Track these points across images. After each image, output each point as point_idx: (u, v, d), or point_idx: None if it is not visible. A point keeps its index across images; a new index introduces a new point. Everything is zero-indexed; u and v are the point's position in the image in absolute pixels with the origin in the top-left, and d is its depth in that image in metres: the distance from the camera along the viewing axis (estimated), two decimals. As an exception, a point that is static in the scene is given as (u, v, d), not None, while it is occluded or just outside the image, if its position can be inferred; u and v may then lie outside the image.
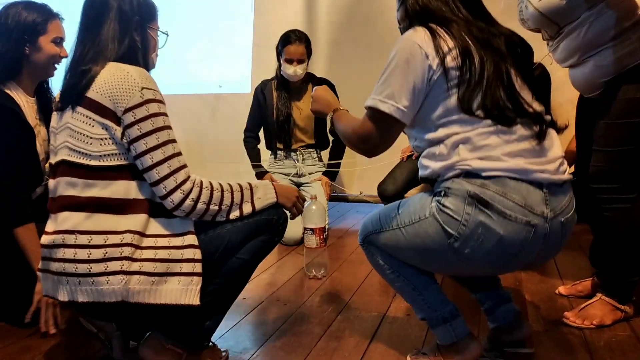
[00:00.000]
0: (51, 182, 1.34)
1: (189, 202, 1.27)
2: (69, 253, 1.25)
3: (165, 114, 1.30)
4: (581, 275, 2.01)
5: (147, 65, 1.40)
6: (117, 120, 1.26)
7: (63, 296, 1.27)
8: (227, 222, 1.36)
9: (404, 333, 1.68)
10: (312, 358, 1.53)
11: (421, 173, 1.35)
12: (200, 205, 1.29)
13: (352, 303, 1.95)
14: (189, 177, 1.28)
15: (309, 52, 2.98)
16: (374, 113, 1.30)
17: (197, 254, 1.29)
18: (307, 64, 2.99)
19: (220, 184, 1.34)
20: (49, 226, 1.31)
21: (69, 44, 1.84)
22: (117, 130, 1.26)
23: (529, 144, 1.25)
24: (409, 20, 1.38)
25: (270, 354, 1.57)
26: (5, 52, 1.72)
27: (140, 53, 1.38)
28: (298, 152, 3.11)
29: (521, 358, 1.48)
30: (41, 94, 1.87)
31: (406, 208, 1.35)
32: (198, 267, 1.28)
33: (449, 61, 1.25)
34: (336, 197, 3.65)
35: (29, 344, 1.64)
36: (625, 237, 1.65)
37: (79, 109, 1.29)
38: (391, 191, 2.62)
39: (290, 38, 2.93)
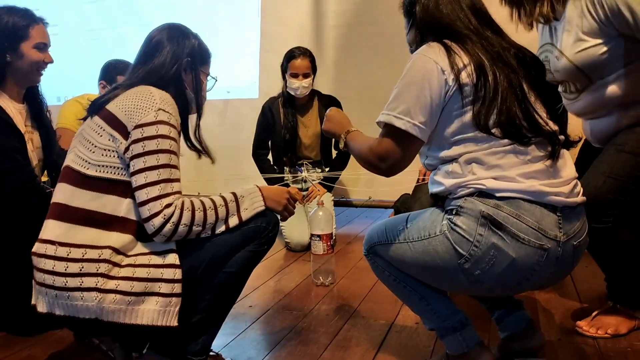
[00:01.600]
0: (55, 187, 1.35)
1: (169, 226, 1.23)
2: (48, 264, 1.24)
3: (174, 139, 1.28)
4: (595, 281, 1.95)
5: (199, 105, 1.46)
6: (126, 134, 1.26)
7: (42, 307, 1.27)
8: (212, 237, 1.32)
9: (412, 342, 1.64)
10: (318, 368, 1.50)
11: (432, 189, 1.32)
12: (182, 229, 1.25)
13: (360, 311, 1.91)
14: (174, 202, 1.24)
15: (314, 68, 2.98)
16: (390, 130, 1.26)
17: (177, 274, 1.25)
18: (313, 80, 2.98)
19: (203, 202, 1.29)
20: (40, 232, 1.31)
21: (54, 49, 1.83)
22: (123, 144, 1.26)
23: (542, 164, 1.23)
24: (421, 35, 1.35)
25: (276, 364, 1.54)
26: None
27: (187, 92, 1.43)
28: (304, 166, 3.11)
29: (533, 368, 1.44)
30: (32, 100, 1.83)
31: (415, 223, 1.32)
32: (178, 288, 1.25)
33: (464, 77, 1.22)
34: (344, 203, 3.62)
35: (33, 353, 1.63)
36: (613, 258, 1.60)
37: (95, 118, 1.31)
38: None
39: (294, 53, 2.93)
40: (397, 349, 1.60)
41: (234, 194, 1.35)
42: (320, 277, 2.24)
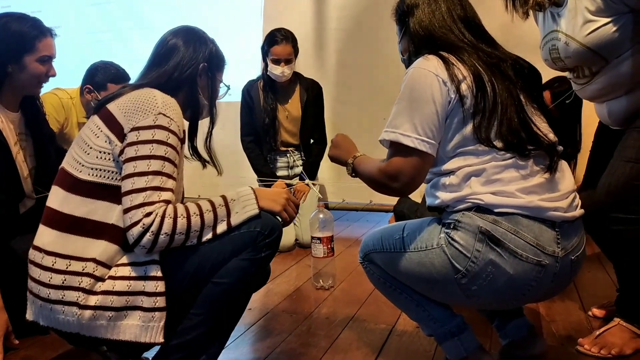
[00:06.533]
0: (51, 189, 1.31)
1: (148, 236, 1.14)
2: (36, 272, 1.22)
3: (172, 146, 1.21)
4: (598, 285, 1.93)
5: (212, 111, 1.44)
6: (122, 137, 1.21)
7: (29, 315, 1.25)
8: (198, 246, 1.21)
9: (412, 347, 1.62)
10: (317, 372, 1.49)
11: (429, 202, 1.30)
12: (163, 238, 1.15)
13: (360, 315, 1.90)
14: (155, 210, 1.15)
15: (296, 52, 2.90)
16: (398, 149, 1.23)
17: (159, 286, 1.18)
18: (294, 63, 2.91)
19: (187, 208, 1.19)
20: (35, 238, 1.27)
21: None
22: (118, 146, 1.21)
23: (541, 177, 1.22)
24: (415, 48, 1.33)
25: (275, 368, 1.53)
26: None
27: (200, 97, 1.41)
28: (289, 155, 3.06)
29: (535, 374, 1.42)
30: (27, 106, 1.77)
31: (412, 233, 1.30)
32: (161, 301, 1.17)
33: (464, 89, 1.21)
34: (345, 206, 3.61)
35: (30, 354, 1.62)
36: (635, 262, 1.50)
37: (95, 117, 1.28)
38: None
39: (276, 38, 2.85)
40: (397, 353, 1.59)
41: (224, 198, 1.25)
42: (321, 280, 2.22)
